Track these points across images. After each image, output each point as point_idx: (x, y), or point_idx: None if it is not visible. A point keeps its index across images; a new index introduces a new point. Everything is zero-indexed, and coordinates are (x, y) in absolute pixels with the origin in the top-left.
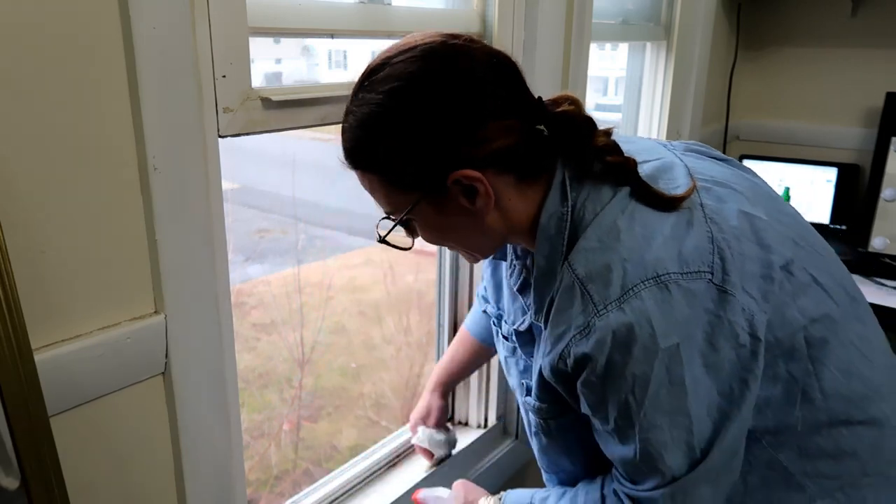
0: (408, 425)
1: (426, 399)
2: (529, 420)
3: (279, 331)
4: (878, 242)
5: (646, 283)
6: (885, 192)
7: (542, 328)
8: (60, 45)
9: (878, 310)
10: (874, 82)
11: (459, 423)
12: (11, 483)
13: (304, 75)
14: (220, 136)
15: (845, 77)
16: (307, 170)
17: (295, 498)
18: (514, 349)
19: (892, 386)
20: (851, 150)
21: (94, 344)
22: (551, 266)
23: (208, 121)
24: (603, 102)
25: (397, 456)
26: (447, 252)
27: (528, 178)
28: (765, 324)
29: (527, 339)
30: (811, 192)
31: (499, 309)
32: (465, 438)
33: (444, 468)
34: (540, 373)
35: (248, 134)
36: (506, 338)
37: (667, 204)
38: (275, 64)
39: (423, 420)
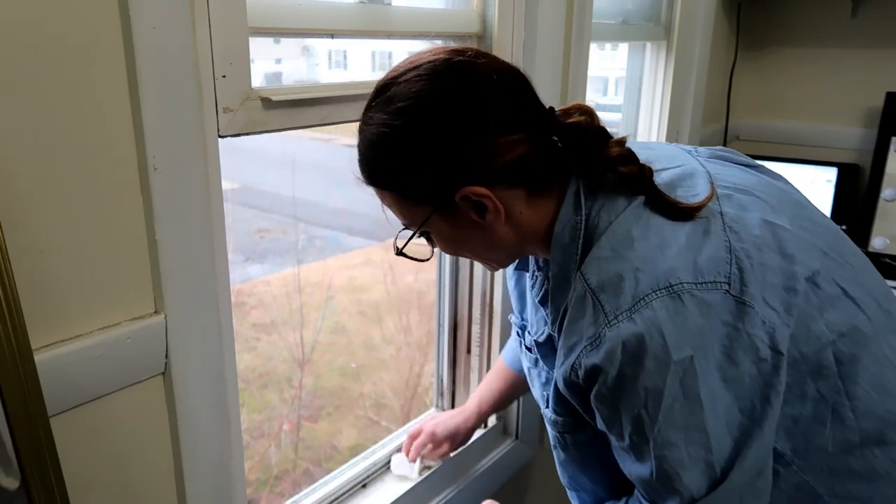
0: (408, 424)
1: (459, 420)
2: (551, 433)
3: (279, 331)
4: (878, 242)
5: (658, 292)
6: (885, 192)
7: (557, 339)
8: (60, 45)
9: None
10: (874, 82)
11: None
12: (11, 483)
13: (304, 75)
14: (220, 136)
15: (845, 77)
16: (307, 170)
17: (295, 498)
18: (537, 360)
19: None
20: (851, 150)
21: (94, 344)
22: (565, 275)
23: (208, 121)
24: (603, 102)
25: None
26: None
27: (539, 190)
28: (788, 338)
29: (547, 350)
30: (811, 192)
31: (522, 319)
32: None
33: (444, 468)
34: (555, 385)
35: (248, 134)
36: (528, 349)
37: (682, 213)
38: (275, 64)
39: (441, 441)
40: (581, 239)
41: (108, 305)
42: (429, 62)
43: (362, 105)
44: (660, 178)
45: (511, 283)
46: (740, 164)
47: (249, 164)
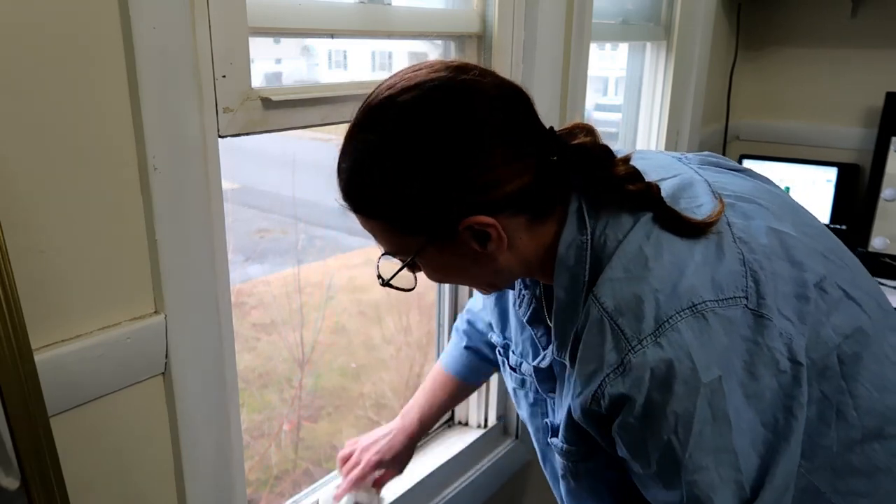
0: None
1: (404, 444)
2: (553, 458)
3: (279, 331)
4: (878, 242)
5: (682, 313)
6: (885, 192)
7: (567, 366)
8: (60, 45)
9: None
10: (874, 82)
11: (459, 423)
12: (11, 483)
13: (304, 75)
14: (220, 136)
15: (845, 77)
16: (307, 170)
17: (295, 498)
18: (524, 381)
19: None
20: (851, 150)
21: (94, 344)
22: (573, 299)
23: (208, 121)
24: (603, 102)
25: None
26: None
27: (541, 216)
28: (804, 347)
29: (546, 376)
30: (811, 192)
31: (505, 338)
32: (465, 438)
33: (444, 467)
34: (569, 414)
35: (248, 134)
36: (513, 368)
37: (695, 230)
38: (275, 64)
39: (389, 466)
40: (588, 260)
41: (108, 305)
42: (430, 81)
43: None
44: (662, 192)
45: (490, 301)
46: (730, 170)
47: (249, 164)
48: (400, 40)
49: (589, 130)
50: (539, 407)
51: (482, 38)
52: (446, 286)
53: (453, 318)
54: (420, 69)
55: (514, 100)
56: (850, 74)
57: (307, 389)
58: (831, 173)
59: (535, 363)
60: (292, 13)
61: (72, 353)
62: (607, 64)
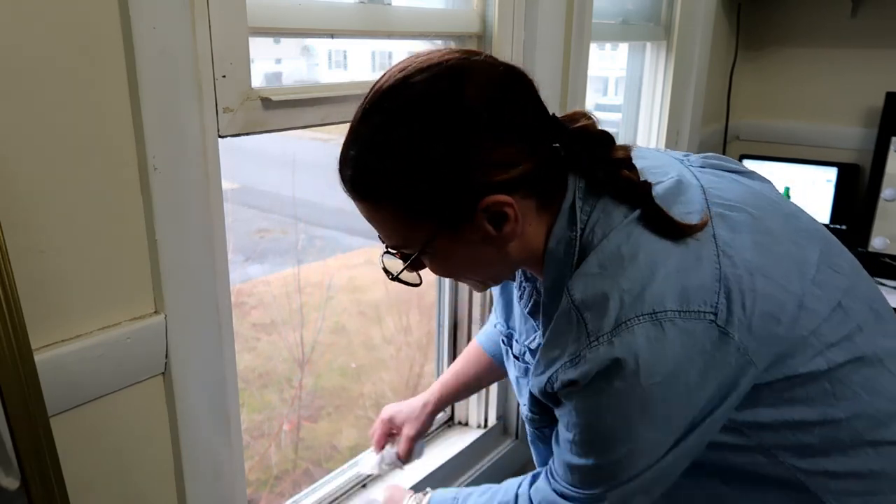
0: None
1: (418, 410)
2: (526, 429)
3: (279, 331)
4: (878, 242)
5: (640, 318)
6: (885, 192)
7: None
8: (60, 45)
9: None
10: (874, 82)
11: (459, 423)
12: (11, 483)
13: (304, 75)
14: (220, 136)
15: (845, 77)
16: (307, 170)
17: (295, 498)
18: (527, 370)
19: None
20: (851, 150)
21: (94, 344)
22: (559, 291)
23: (208, 121)
24: (603, 102)
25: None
26: None
27: (547, 201)
28: (763, 362)
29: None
30: (811, 192)
31: (509, 327)
32: (465, 438)
33: (444, 467)
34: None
35: (248, 134)
36: (517, 357)
37: (677, 232)
38: (275, 64)
39: (399, 426)
40: (575, 255)
41: (108, 305)
42: (444, 61)
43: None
44: (655, 191)
45: (496, 291)
46: (731, 172)
47: (249, 164)
48: (400, 40)
49: (589, 116)
50: None
51: (482, 38)
52: (446, 286)
53: (453, 317)
54: (432, 53)
55: (524, 83)
56: (850, 74)
57: (307, 389)
58: (831, 173)
59: (528, 343)
60: (292, 13)
61: (72, 353)
62: (607, 64)
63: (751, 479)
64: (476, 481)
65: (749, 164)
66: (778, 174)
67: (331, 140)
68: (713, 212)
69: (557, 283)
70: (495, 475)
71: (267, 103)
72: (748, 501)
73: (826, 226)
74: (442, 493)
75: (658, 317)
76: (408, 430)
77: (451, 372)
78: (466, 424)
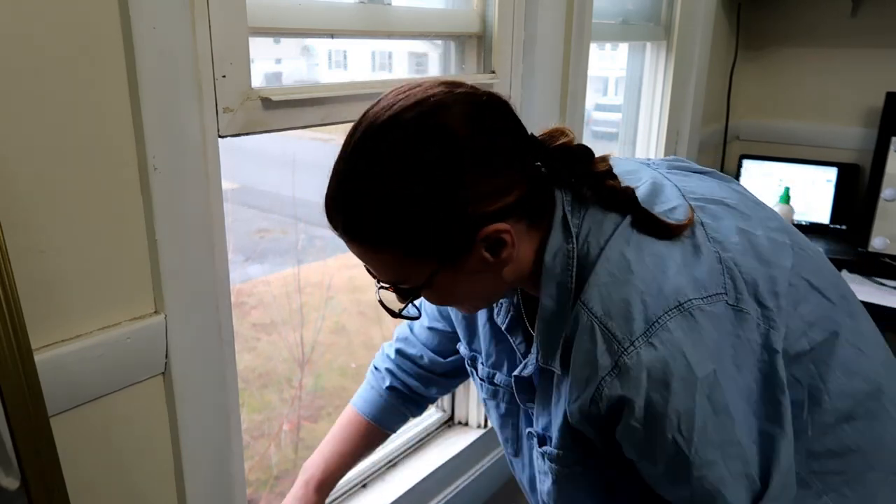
0: (407, 424)
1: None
2: (532, 463)
3: (279, 331)
4: (878, 242)
5: (670, 312)
6: (885, 192)
7: (560, 373)
8: (60, 45)
9: (878, 310)
10: (874, 82)
11: (459, 423)
12: (11, 483)
13: (304, 75)
14: (220, 136)
15: (845, 77)
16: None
17: None
18: (496, 392)
19: (889, 378)
20: (851, 150)
21: (94, 344)
22: (560, 307)
23: (208, 121)
24: (603, 102)
25: (396, 456)
26: None
27: (535, 219)
28: (781, 337)
29: (525, 386)
30: (811, 192)
31: (472, 350)
32: (465, 438)
33: (444, 467)
34: (565, 420)
35: (248, 134)
36: (483, 380)
37: (669, 232)
38: (275, 64)
39: None
40: (574, 268)
41: (108, 305)
42: (430, 96)
43: (362, 105)
44: (637, 195)
45: (457, 314)
46: (697, 173)
47: (249, 164)
48: (400, 40)
49: (565, 133)
50: (511, 417)
51: (482, 38)
52: None
53: None
54: (413, 89)
55: (505, 110)
56: (850, 74)
57: (307, 389)
58: (831, 173)
59: (516, 373)
60: (292, 13)
61: (72, 353)
62: (607, 64)
63: None
64: (476, 481)
65: (749, 164)
66: (778, 174)
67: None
68: (693, 205)
69: (559, 298)
70: (495, 475)
71: (267, 103)
72: None
73: (826, 226)
74: None
75: (685, 306)
76: None
77: (333, 450)
78: (466, 424)
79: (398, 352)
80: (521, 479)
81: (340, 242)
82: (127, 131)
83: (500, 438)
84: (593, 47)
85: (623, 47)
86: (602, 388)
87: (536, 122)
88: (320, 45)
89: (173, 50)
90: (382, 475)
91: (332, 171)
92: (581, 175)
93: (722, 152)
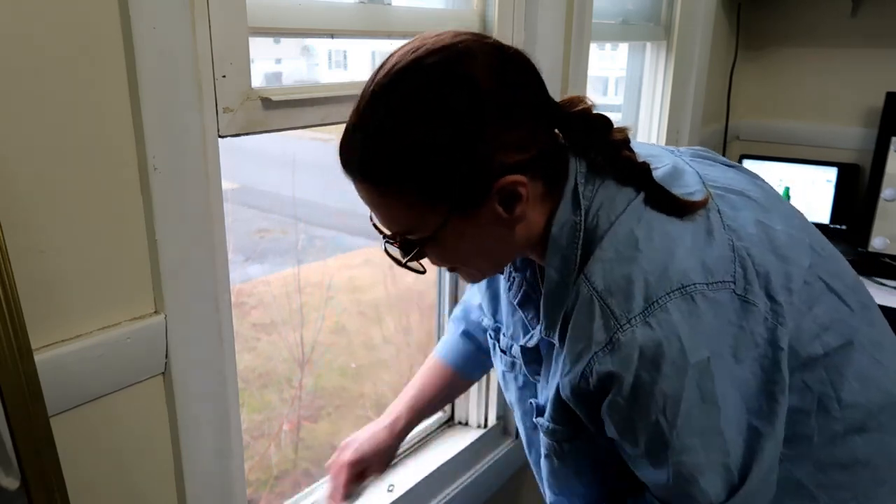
0: None
1: (384, 446)
2: (539, 441)
3: (279, 331)
4: (878, 242)
5: (671, 294)
6: (885, 192)
7: (557, 345)
8: (60, 45)
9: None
10: (874, 82)
11: (459, 423)
12: (11, 483)
13: (304, 75)
14: (220, 136)
15: (845, 77)
16: (307, 170)
17: (295, 498)
18: (513, 364)
19: None
20: (851, 150)
21: (94, 344)
22: (563, 279)
23: (208, 121)
24: (603, 102)
25: (397, 456)
26: None
27: (551, 185)
28: (788, 334)
29: (532, 357)
30: (811, 192)
31: (496, 321)
32: (465, 438)
33: (444, 467)
34: (557, 393)
35: (248, 134)
36: (503, 351)
37: (682, 208)
38: (275, 64)
39: (355, 462)
40: (580, 240)
41: (108, 305)
42: (457, 42)
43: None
44: (654, 174)
45: (483, 285)
46: (722, 164)
47: (249, 164)
48: (400, 40)
49: (584, 101)
50: (528, 390)
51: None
52: (446, 286)
53: None
54: (441, 35)
55: (531, 67)
56: (850, 74)
57: (307, 389)
58: (831, 173)
59: (522, 343)
60: (292, 13)
61: (72, 353)
62: (607, 64)
63: None
64: (476, 481)
65: (749, 164)
66: (778, 174)
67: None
68: (712, 192)
69: (562, 271)
70: (495, 475)
71: (267, 103)
72: None
73: (826, 226)
74: None
75: (688, 290)
76: (375, 472)
77: (416, 393)
78: (466, 424)
79: (464, 310)
80: (531, 458)
81: (340, 242)
82: (127, 131)
83: (518, 415)
84: (593, 47)
85: (623, 47)
86: (593, 363)
87: None
88: (320, 45)
89: (173, 50)
90: (382, 475)
91: (352, 112)
92: (598, 143)
93: (722, 152)
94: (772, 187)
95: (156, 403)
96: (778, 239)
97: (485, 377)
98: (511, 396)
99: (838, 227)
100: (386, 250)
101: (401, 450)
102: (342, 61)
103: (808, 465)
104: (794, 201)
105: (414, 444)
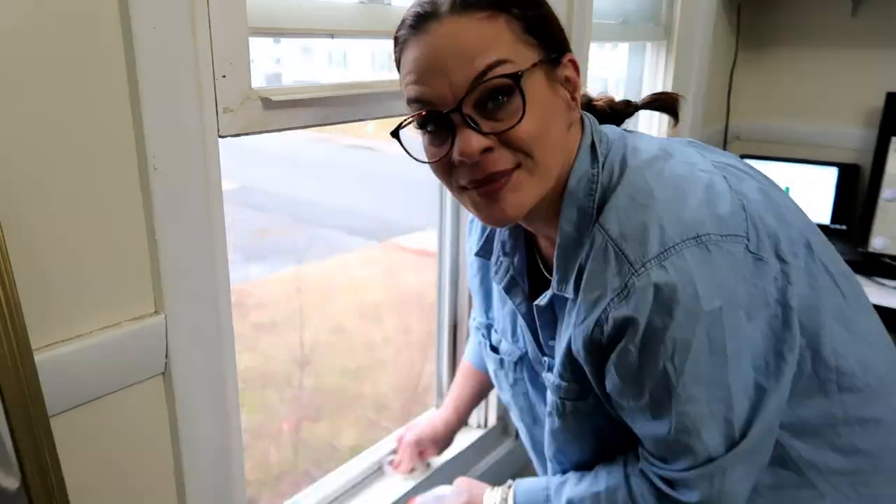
0: (408, 424)
1: (442, 432)
2: (541, 441)
3: (279, 331)
4: (878, 242)
5: (686, 242)
6: (885, 192)
7: (571, 298)
8: (60, 45)
9: (879, 310)
10: (874, 82)
11: None
12: (11, 483)
13: (304, 75)
14: (220, 136)
15: (845, 77)
16: (307, 170)
17: (295, 498)
18: (502, 361)
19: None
20: (851, 150)
21: (94, 344)
22: (579, 233)
23: (208, 121)
24: None
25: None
26: (447, 252)
27: (576, 125)
28: (797, 294)
29: (547, 318)
30: (811, 192)
31: (488, 318)
32: (465, 438)
33: (444, 468)
34: (567, 347)
35: (248, 134)
36: (493, 349)
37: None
38: (275, 64)
39: (426, 448)
40: (597, 192)
41: (108, 305)
42: None
43: (362, 105)
44: (658, 143)
45: (475, 283)
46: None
47: (249, 164)
48: None
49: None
50: (520, 387)
51: None
52: (446, 286)
53: (453, 318)
54: None
55: None
56: (850, 74)
57: (307, 389)
58: (831, 173)
59: (537, 301)
60: (292, 13)
61: (72, 353)
62: (607, 63)
63: None
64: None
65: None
66: (778, 174)
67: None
68: (716, 165)
69: (578, 224)
70: (495, 475)
71: (267, 103)
72: None
73: (826, 226)
74: (527, 484)
75: (703, 239)
76: (432, 453)
77: (459, 390)
78: (466, 424)
79: (474, 318)
80: (532, 453)
81: (340, 242)
82: (127, 131)
83: (515, 413)
84: (593, 47)
85: (623, 47)
86: (609, 309)
87: None
88: (320, 45)
89: (173, 50)
90: (382, 475)
91: None
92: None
93: None
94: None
95: (156, 403)
96: (781, 205)
97: None
98: (505, 396)
99: (838, 227)
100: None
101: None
102: (342, 61)
103: (807, 450)
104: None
105: None
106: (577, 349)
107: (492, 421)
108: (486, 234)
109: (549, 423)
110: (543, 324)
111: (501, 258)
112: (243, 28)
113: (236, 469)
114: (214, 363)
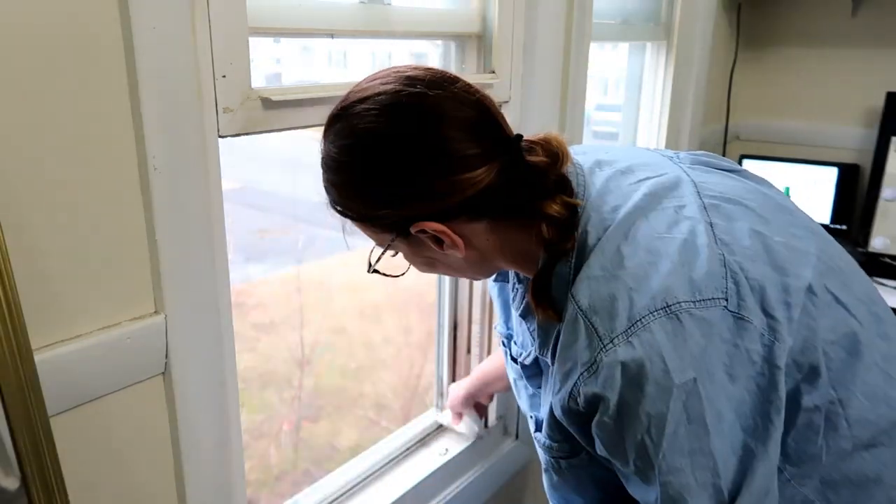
0: (408, 424)
1: (478, 384)
2: (539, 454)
3: (279, 331)
4: (878, 242)
5: (655, 313)
6: (885, 192)
7: (550, 364)
8: (60, 45)
9: None
10: (874, 82)
11: None
12: (11, 483)
13: (304, 75)
14: (220, 136)
15: (845, 77)
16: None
17: (295, 498)
18: (522, 373)
19: None
20: (851, 150)
21: (94, 344)
22: (560, 297)
23: (208, 121)
24: (603, 102)
25: (396, 456)
26: None
27: (508, 217)
28: (786, 351)
29: (532, 372)
30: (811, 192)
31: (508, 328)
32: (464, 439)
33: (444, 468)
34: (551, 412)
35: (248, 134)
36: (514, 359)
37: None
38: (275, 64)
39: (470, 398)
40: (573, 259)
41: (108, 305)
42: (378, 94)
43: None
44: (644, 188)
45: (494, 292)
46: (723, 170)
47: (249, 164)
48: (400, 40)
49: (555, 152)
50: (538, 398)
51: (482, 38)
52: (446, 286)
53: (453, 318)
54: (377, 78)
55: (469, 110)
56: (850, 74)
57: (307, 389)
58: (831, 173)
59: (520, 358)
60: (292, 13)
61: (72, 353)
62: (607, 63)
63: None
64: (476, 481)
65: (749, 164)
66: (778, 174)
67: None
68: (706, 203)
69: (558, 288)
70: (495, 475)
71: (267, 103)
72: None
73: (826, 226)
74: None
75: (672, 309)
76: (485, 401)
77: (486, 363)
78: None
79: None
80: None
81: (340, 242)
82: (127, 131)
83: (531, 428)
84: (593, 47)
85: (623, 47)
86: (580, 384)
87: (536, 121)
88: (320, 45)
89: (173, 50)
90: (382, 475)
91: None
92: (528, 207)
93: (722, 152)
94: (779, 192)
95: (156, 403)
96: (776, 250)
97: None
98: (523, 404)
99: (838, 227)
100: (370, 254)
101: (401, 450)
102: (342, 61)
103: (817, 483)
104: (795, 201)
105: (414, 445)
106: (560, 416)
107: (492, 421)
108: None
109: (546, 480)
110: (529, 375)
111: (517, 285)
112: (243, 28)
113: (236, 469)
114: (214, 363)
